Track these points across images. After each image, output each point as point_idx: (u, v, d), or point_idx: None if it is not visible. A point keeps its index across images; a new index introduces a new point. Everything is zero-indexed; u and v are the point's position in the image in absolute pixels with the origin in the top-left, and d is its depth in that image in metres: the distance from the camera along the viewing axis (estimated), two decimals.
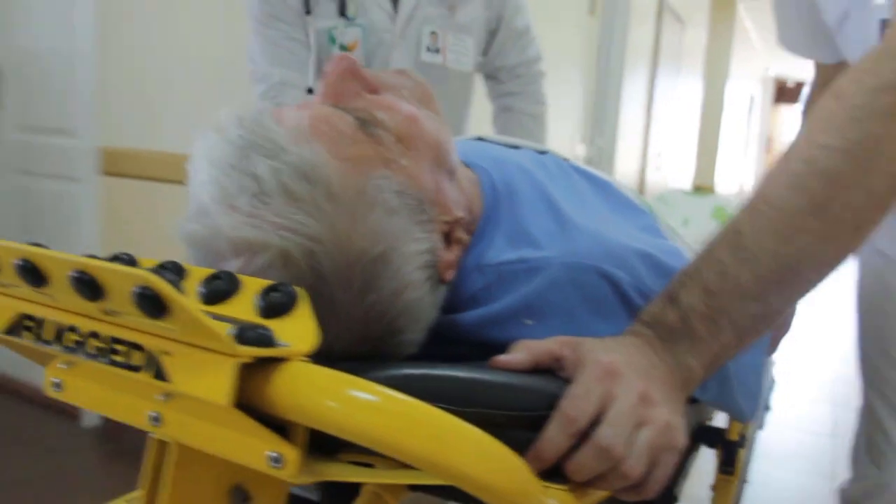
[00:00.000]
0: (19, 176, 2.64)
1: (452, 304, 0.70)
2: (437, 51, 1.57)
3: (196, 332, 0.39)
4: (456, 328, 0.69)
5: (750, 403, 0.82)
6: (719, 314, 0.60)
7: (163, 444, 0.49)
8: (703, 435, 0.98)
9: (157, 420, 0.46)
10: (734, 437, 0.98)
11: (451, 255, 0.66)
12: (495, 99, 1.81)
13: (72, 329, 0.44)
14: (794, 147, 0.63)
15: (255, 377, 0.41)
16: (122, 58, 2.34)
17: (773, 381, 1.72)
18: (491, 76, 1.77)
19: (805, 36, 1.12)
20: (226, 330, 0.40)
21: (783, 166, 0.63)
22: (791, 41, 1.16)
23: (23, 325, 0.46)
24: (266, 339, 0.40)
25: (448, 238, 0.66)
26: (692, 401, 0.75)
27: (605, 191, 0.87)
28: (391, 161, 0.61)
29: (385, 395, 0.40)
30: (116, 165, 2.37)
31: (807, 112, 1.22)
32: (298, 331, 0.44)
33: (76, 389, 0.50)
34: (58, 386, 0.51)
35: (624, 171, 4.78)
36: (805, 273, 0.62)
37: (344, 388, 0.39)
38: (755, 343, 0.83)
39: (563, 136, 4.52)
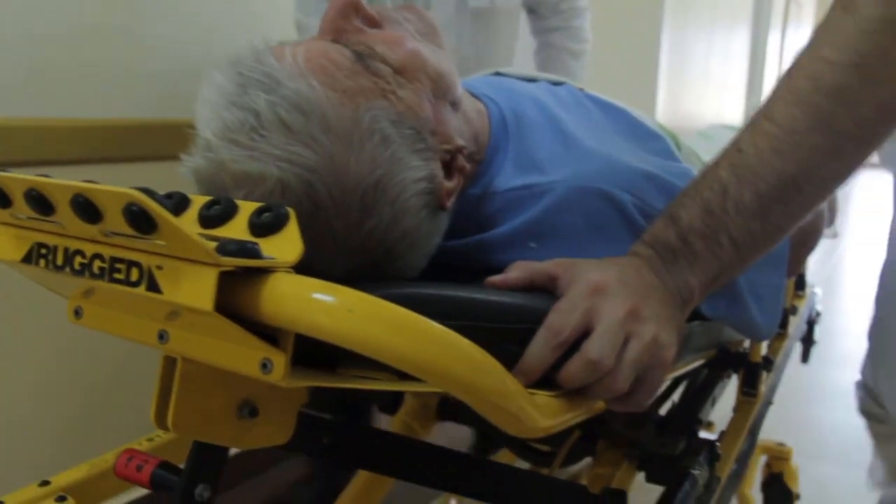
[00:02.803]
0: None
1: (463, 232, 0.72)
2: None
3: (182, 246, 0.42)
4: (464, 254, 0.72)
5: (768, 322, 0.83)
6: (719, 232, 0.61)
7: (171, 362, 0.52)
8: (726, 358, 0.99)
9: (163, 337, 0.50)
10: (756, 359, 0.99)
11: (451, 183, 0.68)
12: (537, 35, 1.79)
13: (79, 253, 0.48)
14: (797, 63, 0.62)
15: (243, 288, 0.44)
16: None
17: (818, 314, 1.71)
18: (532, 10, 1.76)
19: None
20: (212, 244, 0.43)
21: (787, 83, 0.62)
22: None
23: (38, 253, 0.50)
24: (248, 252, 0.43)
25: (449, 167, 0.68)
26: (702, 318, 0.76)
27: (619, 117, 0.88)
28: (388, 92, 0.63)
29: (351, 295, 0.42)
30: None
31: None
32: (285, 246, 0.47)
33: (94, 315, 0.55)
34: (78, 313, 0.55)
35: None
36: (808, 190, 0.62)
37: (315, 291, 0.42)
38: (770, 261, 0.83)
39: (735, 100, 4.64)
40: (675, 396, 1.05)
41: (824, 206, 1.01)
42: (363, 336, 0.42)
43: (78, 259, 0.48)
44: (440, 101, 0.68)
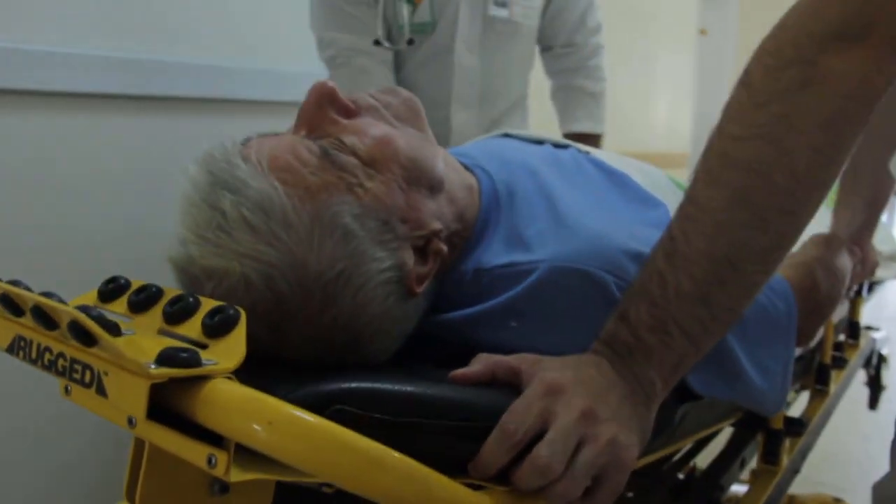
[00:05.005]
0: None
1: (452, 306, 0.74)
2: (504, 4, 1.56)
3: (118, 359, 0.45)
4: (450, 328, 0.73)
5: (775, 394, 0.82)
6: (667, 323, 0.61)
7: (141, 441, 0.56)
8: (748, 421, 0.97)
9: (131, 422, 0.53)
10: (777, 425, 0.96)
11: (424, 268, 0.69)
12: (553, 76, 1.78)
13: (48, 350, 0.52)
14: (710, 143, 0.62)
15: (182, 392, 0.47)
16: None
17: (883, 358, 1.64)
18: (547, 48, 1.74)
19: None
20: (158, 350, 0.47)
21: (703, 164, 0.62)
22: None
23: (18, 345, 0.55)
24: (185, 361, 0.46)
25: (424, 251, 0.70)
26: (696, 397, 0.75)
27: (619, 185, 0.87)
28: (355, 185, 0.65)
29: (273, 407, 0.45)
30: None
31: None
32: (230, 350, 0.50)
33: (79, 394, 0.59)
34: (67, 390, 0.60)
35: None
36: (744, 267, 0.61)
37: (241, 403, 0.45)
38: (774, 333, 0.81)
39: None
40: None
41: (846, 266, 0.98)
42: (280, 448, 0.44)
43: (47, 355, 0.52)
44: (414, 187, 0.69)
